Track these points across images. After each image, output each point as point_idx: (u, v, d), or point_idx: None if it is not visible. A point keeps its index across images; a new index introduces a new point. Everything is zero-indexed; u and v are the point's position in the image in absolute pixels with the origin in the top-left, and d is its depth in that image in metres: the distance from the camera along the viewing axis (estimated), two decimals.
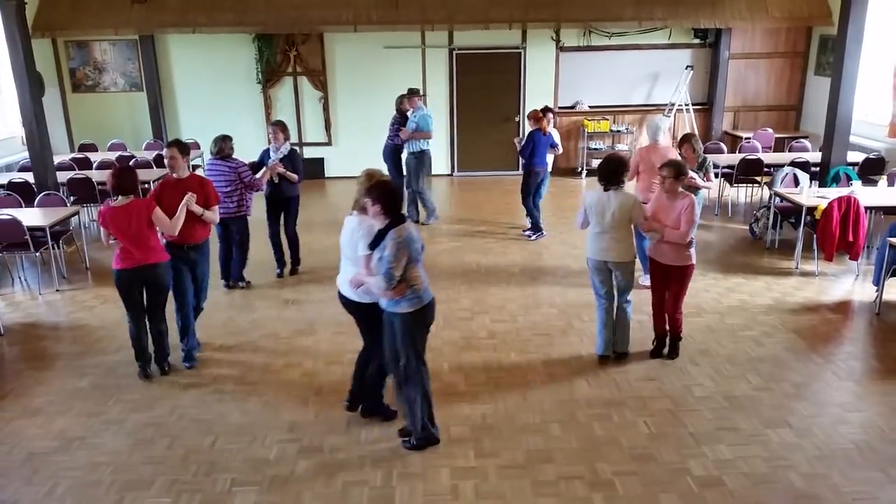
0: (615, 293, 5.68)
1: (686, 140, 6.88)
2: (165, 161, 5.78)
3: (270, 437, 4.75)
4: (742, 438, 4.65)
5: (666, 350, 5.80)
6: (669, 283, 5.61)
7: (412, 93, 9.71)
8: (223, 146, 7.00)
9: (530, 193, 8.98)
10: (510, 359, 5.81)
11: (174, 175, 5.76)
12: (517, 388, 5.35)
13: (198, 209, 5.65)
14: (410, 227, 4.26)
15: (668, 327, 5.77)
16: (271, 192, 7.55)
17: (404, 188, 9.64)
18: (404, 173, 9.75)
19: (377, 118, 12.23)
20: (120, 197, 5.22)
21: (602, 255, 5.52)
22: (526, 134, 9.02)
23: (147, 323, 5.55)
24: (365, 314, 4.62)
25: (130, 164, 10.21)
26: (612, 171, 5.44)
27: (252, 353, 5.99)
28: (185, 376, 5.61)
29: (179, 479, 4.32)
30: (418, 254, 4.31)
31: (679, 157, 6.41)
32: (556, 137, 9.07)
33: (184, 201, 5.50)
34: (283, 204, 7.67)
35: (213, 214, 5.85)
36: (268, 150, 7.54)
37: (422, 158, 9.55)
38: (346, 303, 4.67)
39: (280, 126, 7.55)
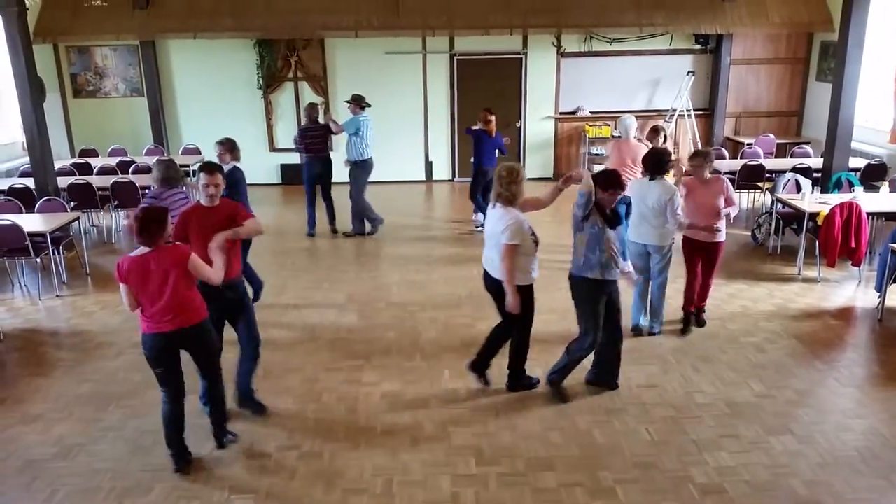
0: (651, 275, 6.17)
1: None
2: (204, 188, 4.63)
3: (269, 443, 4.72)
4: (744, 445, 4.62)
5: (694, 323, 6.42)
6: (704, 259, 6.25)
7: (356, 100, 9.19)
8: (170, 172, 6.13)
9: (478, 191, 9.37)
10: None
11: (203, 202, 4.70)
12: (517, 395, 5.32)
13: (229, 234, 4.56)
14: None
15: (696, 302, 6.41)
16: None
17: (323, 200, 9.46)
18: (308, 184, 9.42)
19: (378, 124, 12.22)
20: (143, 247, 4.19)
21: (641, 238, 6.04)
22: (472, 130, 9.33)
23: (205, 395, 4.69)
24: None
25: (130, 170, 10.23)
26: (658, 162, 5.89)
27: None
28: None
29: (178, 487, 4.30)
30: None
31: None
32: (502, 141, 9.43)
33: (218, 242, 4.44)
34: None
35: (254, 224, 4.76)
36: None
37: (365, 167, 9.24)
38: (490, 282, 5.14)
39: (227, 146, 6.87)
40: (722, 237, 6.17)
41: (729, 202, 6.13)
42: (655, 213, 5.84)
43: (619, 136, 7.97)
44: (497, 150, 9.31)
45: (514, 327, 5.19)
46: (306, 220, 9.56)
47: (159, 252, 4.16)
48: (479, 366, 5.37)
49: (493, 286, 5.12)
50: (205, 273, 4.31)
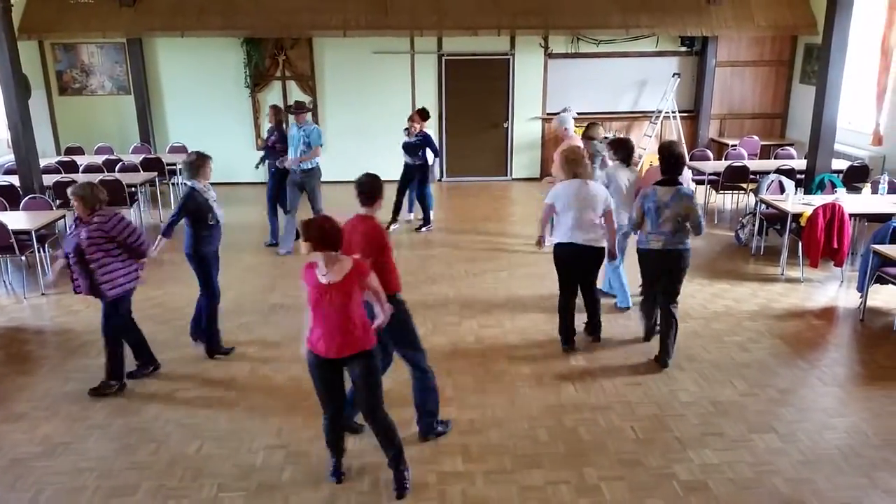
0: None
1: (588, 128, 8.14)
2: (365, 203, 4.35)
3: (257, 442, 4.73)
4: (727, 443, 4.68)
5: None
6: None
7: (299, 107, 8.66)
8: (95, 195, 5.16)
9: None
10: (498, 364, 5.82)
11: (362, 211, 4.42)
12: (505, 393, 5.36)
13: None
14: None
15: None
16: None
17: (286, 211, 8.86)
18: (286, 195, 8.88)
19: (366, 123, 12.27)
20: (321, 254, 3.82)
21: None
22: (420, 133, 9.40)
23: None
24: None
25: (117, 168, 10.17)
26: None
27: (239, 359, 5.96)
28: (172, 382, 5.57)
29: (165, 485, 4.29)
30: (649, 210, 5.50)
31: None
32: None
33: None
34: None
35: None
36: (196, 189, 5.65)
37: (318, 174, 8.85)
38: (588, 251, 5.81)
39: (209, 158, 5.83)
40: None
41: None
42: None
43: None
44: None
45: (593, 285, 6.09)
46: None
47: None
48: (595, 328, 6.24)
49: (592, 254, 5.83)
50: (381, 295, 4.13)
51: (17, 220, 7.59)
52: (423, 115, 9.51)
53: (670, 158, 5.51)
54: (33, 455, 4.61)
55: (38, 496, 4.21)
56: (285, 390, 5.41)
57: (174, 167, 10.82)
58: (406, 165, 9.56)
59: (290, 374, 5.66)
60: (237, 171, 11.83)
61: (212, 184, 5.80)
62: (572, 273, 5.95)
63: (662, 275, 5.66)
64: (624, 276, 6.84)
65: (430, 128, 11.92)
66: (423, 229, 9.70)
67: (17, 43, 8.61)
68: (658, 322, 5.95)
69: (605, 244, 5.89)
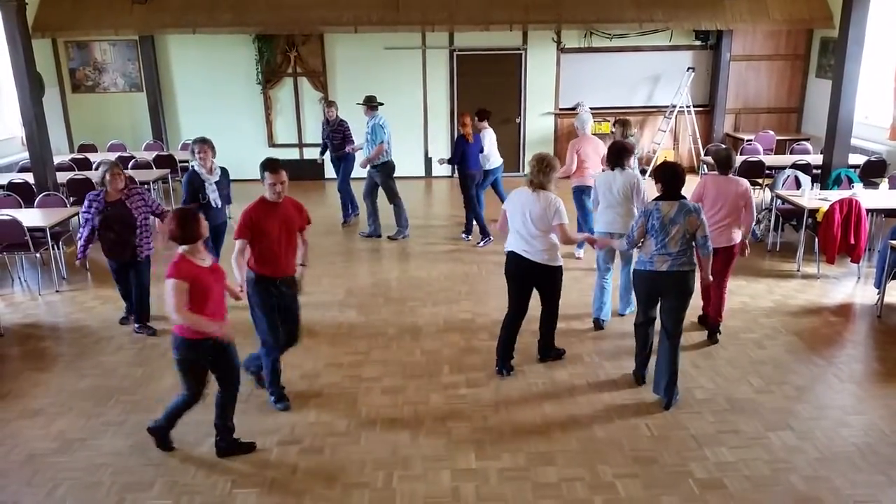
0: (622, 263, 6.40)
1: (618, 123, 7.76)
2: (269, 186, 4.82)
3: (271, 438, 4.73)
4: (743, 441, 4.64)
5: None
6: (716, 264, 5.56)
7: (365, 101, 8.97)
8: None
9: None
10: (511, 361, 5.79)
11: (270, 198, 4.87)
12: (518, 390, 5.34)
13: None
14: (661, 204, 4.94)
15: (709, 311, 6.19)
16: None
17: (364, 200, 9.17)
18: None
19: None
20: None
21: (609, 227, 6.14)
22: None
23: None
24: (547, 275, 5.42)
25: (129, 165, 10.21)
26: (618, 154, 6.10)
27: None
28: None
29: (179, 481, 4.30)
30: (653, 228, 4.93)
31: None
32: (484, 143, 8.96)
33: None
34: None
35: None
36: (195, 171, 6.66)
37: (386, 169, 8.99)
38: (529, 266, 5.34)
39: (209, 144, 6.71)
40: (737, 239, 5.91)
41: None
42: (619, 201, 6.05)
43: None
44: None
45: (553, 302, 5.59)
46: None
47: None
48: (546, 351, 5.83)
49: (533, 270, 5.34)
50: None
51: (31, 217, 7.64)
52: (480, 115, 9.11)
53: (672, 181, 4.93)
54: (49, 451, 4.64)
55: (55, 491, 4.24)
56: (299, 385, 5.42)
57: (186, 164, 10.83)
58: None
59: (302, 370, 5.67)
60: (248, 168, 11.84)
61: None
62: (517, 286, 5.49)
63: (665, 300, 5.06)
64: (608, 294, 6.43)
65: (442, 125, 11.92)
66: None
67: (31, 41, 8.66)
68: (650, 351, 5.40)
69: (554, 262, 5.35)
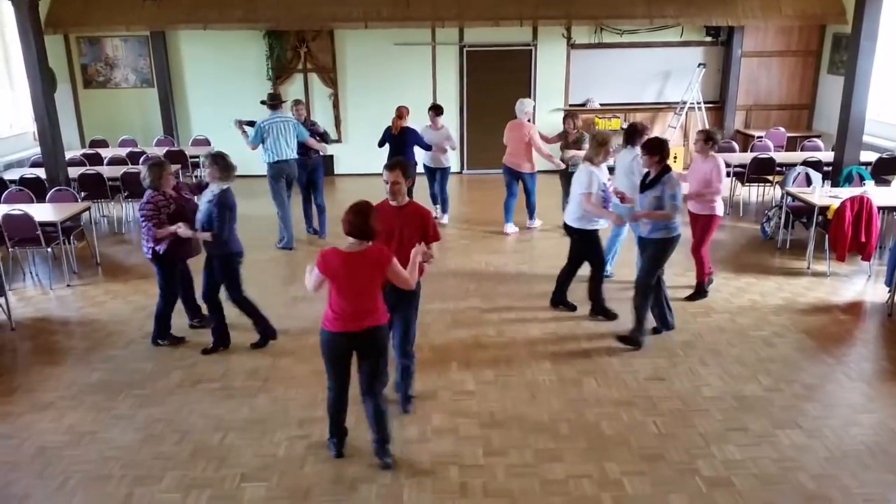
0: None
1: (568, 116, 8.80)
2: (388, 186, 4.57)
3: (280, 433, 4.76)
4: (752, 439, 4.63)
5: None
6: (695, 229, 6.82)
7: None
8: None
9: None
10: (519, 357, 5.81)
11: (392, 202, 4.64)
12: (526, 386, 5.34)
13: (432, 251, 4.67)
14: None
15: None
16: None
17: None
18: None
19: (387, 115, 12.21)
20: (353, 240, 4.10)
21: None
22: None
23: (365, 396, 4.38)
24: (584, 238, 6.42)
25: (140, 160, 10.23)
26: (630, 134, 6.98)
27: (262, 350, 6.01)
28: (195, 372, 5.63)
29: (189, 475, 4.34)
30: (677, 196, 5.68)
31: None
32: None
33: (418, 249, 4.34)
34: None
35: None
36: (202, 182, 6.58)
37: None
38: (569, 230, 6.49)
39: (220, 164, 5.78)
40: (716, 211, 6.71)
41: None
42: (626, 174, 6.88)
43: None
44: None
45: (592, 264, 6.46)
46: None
47: (366, 251, 4.07)
48: (559, 299, 6.73)
49: (570, 232, 6.47)
50: (401, 276, 4.20)
51: (43, 212, 7.69)
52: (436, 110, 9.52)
53: (667, 154, 5.72)
54: (60, 444, 4.68)
55: (66, 484, 4.28)
56: (307, 381, 5.44)
57: (197, 160, 10.89)
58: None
59: (312, 366, 5.69)
60: (258, 165, 11.89)
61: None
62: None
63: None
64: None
65: (451, 120, 11.90)
66: None
67: (43, 37, 8.71)
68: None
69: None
